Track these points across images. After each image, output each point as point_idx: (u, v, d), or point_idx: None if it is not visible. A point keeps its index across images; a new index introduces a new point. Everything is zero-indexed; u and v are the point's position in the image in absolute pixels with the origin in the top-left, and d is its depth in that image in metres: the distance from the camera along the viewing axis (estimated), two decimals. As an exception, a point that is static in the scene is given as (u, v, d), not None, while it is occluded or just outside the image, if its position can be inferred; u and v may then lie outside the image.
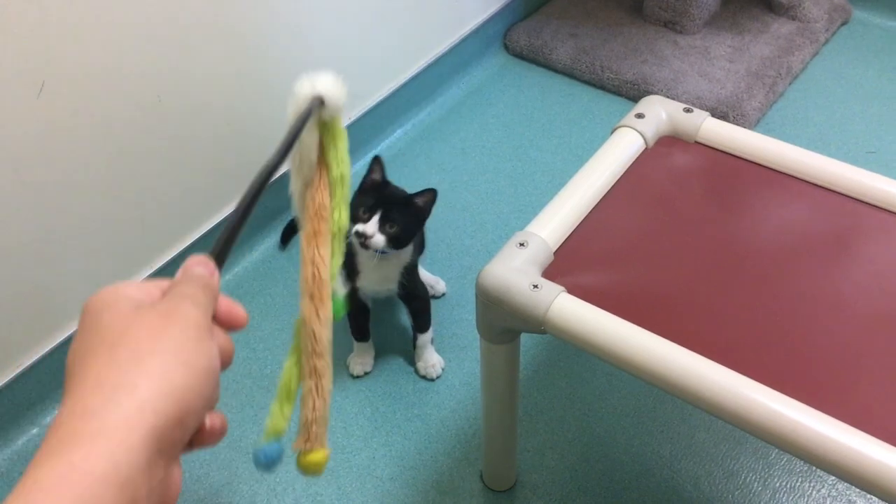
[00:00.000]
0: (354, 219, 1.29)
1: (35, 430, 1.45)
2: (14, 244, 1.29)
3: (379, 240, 1.28)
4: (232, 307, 0.50)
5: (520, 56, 2.21)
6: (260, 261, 1.72)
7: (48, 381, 1.45)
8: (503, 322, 1.01)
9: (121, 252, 1.49)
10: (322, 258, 0.62)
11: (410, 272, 1.41)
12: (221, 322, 0.49)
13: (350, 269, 1.41)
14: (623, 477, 1.35)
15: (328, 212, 0.64)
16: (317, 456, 0.63)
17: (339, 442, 1.42)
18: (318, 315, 0.60)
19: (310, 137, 0.65)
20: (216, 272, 0.50)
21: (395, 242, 1.30)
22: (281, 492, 1.36)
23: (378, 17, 1.80)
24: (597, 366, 1.51)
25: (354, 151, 2.13)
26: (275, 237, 1.75)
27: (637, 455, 1.38)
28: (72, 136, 1.30)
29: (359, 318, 1.49)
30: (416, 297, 1.47)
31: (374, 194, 1.32)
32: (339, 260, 0.64)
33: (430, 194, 1.32)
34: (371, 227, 1.27)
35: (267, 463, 0.57)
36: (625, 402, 1.45)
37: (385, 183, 1.35)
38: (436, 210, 1.79)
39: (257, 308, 1.63)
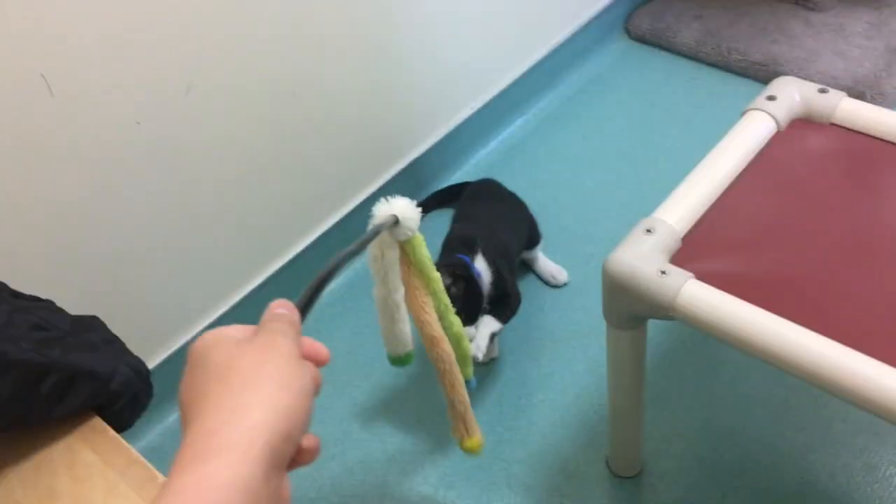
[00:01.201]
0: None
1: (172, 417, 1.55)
2: (158, 236, 1.39)
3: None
4: (314, 345, 0.57)
5: (642, 41, 2.18)
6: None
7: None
8: (630, 308, 1.02)
9: (252, 244, 1.57)
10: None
11: (497, 282, 1.41)
12: (306, 358, 0.55)
13: None
14: (754, 467, 1.33)
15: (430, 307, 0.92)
16: (472, 442, 1.05)
17: (465, 425, 1.46)
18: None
19: (391, 253, 0.84)
20: (297, 312, 0.57)
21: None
22: (411, 471, 1.41)
23: (498, 7, 1.82)
24: (725, 354, 1.48)
25: (475, 141, 2.16)
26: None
27: (768, 445, 1.35)
28: (215, 135, 1.38)
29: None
30: (507, 297, 1.44)
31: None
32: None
33: (461, 281, 1.34)
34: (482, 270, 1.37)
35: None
36: (755, 391, 1.42)
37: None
38: (557, 197, 1.81)
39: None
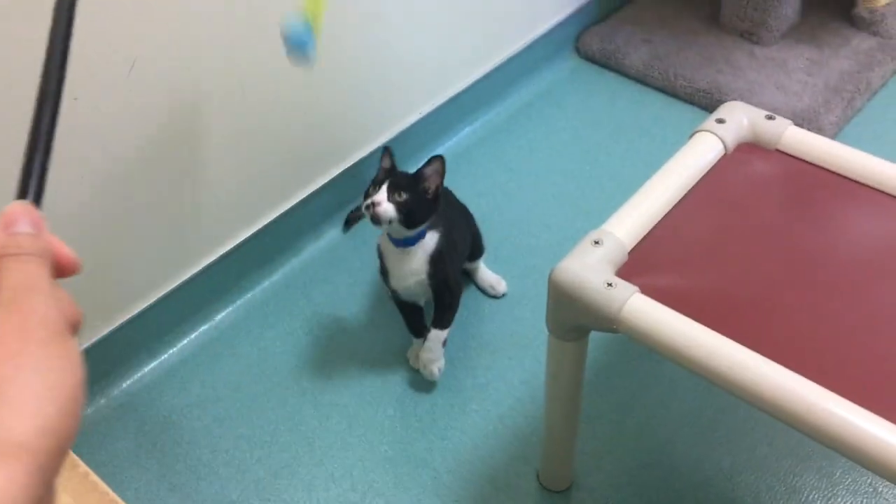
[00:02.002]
0: (366, 197, 1.31)
1: (102, 401, 1.49)
2: (95, 215, 1.33)
3: (388, 208, 1.27)
4: (60, 248, 0.42)
5: (591, 60, 2.20)
6: (326, 249, 1.74)
7: (119, 352, 1.50)
8: (574, 319, 1.01)
9: (191, 232, 1.53)
10: None
11: (437, 262, 1.38)
12: (58, 272, 0.42)
13: (383, 271, 1.43)
14: (681, 486, 1.34)
15: None
16: None
17: (396, 433, 1.43)
18: None
19: None
20: (42, 222, 0.42)
21: (407, 214, 1.29)
22: (339, 477, 1.37)
23: (451, 17, 1.81)
24: (659, 372, 1.49)
25: (423, 148, 2.16)
26: (340, 226, 1.77)
27: (696, 465, 1.36)
28: (157, 115, 1.33)
29: (411, 317, 1.51)
30: (445, 289, 1.42)
31: (386, 175, 1.34)
32: None
33: (438, 162, 1.32)
34: (380, 195, 1.28)
35: (298, 44, 0.69)
36: (686, 411, 1.43)
37: (394, 169, 1.37)
38: (500, 208, 1.80)
39: (321, 295, 1.65)
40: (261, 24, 1.39)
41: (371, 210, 1.28)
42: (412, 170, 1.35)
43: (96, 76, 1.22)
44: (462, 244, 1.52)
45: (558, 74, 2.17)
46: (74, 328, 0.40)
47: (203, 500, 1.35)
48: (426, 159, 1.33)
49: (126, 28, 1.22)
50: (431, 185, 1.33)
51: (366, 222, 1.52)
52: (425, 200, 1.32)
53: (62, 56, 0.48)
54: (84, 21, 1.14)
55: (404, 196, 1.29)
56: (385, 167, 1.37)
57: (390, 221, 1.28)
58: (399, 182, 1.30)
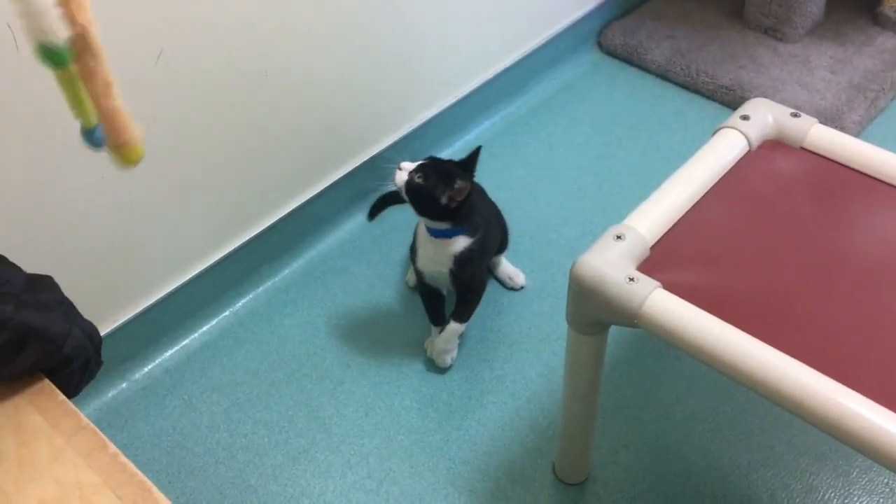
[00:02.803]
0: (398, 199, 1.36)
1: (124, 385, 1.51)
2: (121, 202, 1.35)
3: (402, 177, 1.32)
4: None
5: (613, 55, 2.20)
6: (346, 239, 1.75)
7: (141, 336, 1.51)
8: (595, 313, 1.01)
9: (214, 219, 1.54)
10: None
11: (463, 263, 1.39)
12: None
13: (413, 249, 1.46)
14: (697, 482, 1.34)
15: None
16: (138, 147, 0.72)
17: (413, 422, 1.44)
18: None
19: None
20: None
21: (413, 195, 1.32)
22: (355, 464, 1.39)
23: (474, 10, 1.81)
24: (677, 368, 1.49)
25: (444, 138, 2.15)
26: (360, 217, 1.78)
27: (713, 461, 1.37)
28: (184, 102, 1.34)
29: (432, 303, 1.52)
30: (466, 289, 1.45)
31: (443, 161, 1.36)
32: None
33: (467, 183, 1.30)
34: (408, 164, 1.33)
35: (99, 143, 0.70)
36: (704, 407, 1.44)
37: (465, 167, 1.35)
38: (519, 201, 1.81)
39: (340, 285, 1.66)
40: (289, 17, 1.39)
41: (396, 169, 1.33)
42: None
43: (124, 64, 1.23)
44: (492, 246, 1.53)
45: (580, 69, 2.17)
46: None
47: (221, 483, 1.36)
48: (472, 148, 1.36)
49: (152, 18, 1.23)
50: (452, 195, 1.31)
51: (390, 212, 1.53)
52: (436, 201, 1.31)
53: None
54: (112, 9, 1.15)
55: (421, 180, 1.31)
56: (461, 160, 1.36)
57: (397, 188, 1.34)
58: (429, 170, 1.32)
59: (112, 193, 1.33)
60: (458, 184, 1.30)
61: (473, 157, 1.35)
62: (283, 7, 1.41)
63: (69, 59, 0.65)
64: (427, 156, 1.37)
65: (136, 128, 0.71)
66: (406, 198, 1.34)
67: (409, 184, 1.32)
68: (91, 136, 0.70)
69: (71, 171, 1.25)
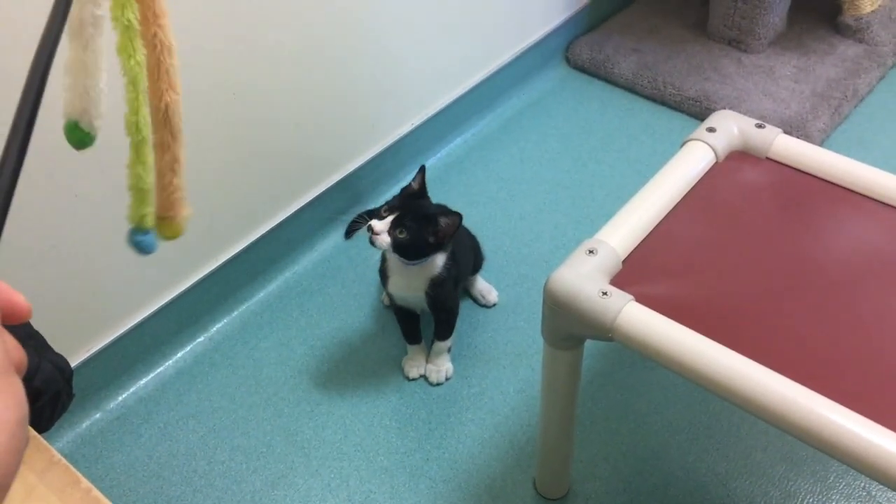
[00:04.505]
0: (377, 215, 1.31)
1: (98, 415, 1.49)
2: (92, 228, 1.34)
3: (384, 240, 1.28)
4: (11, 295, 0.41)
5: (581, 69, 2.22)
6: (320, 260, 1.75)
7: (115, 364, 1.49)
8: (569, 328, 1.02)
9: (186, 244, 1.53)
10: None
11: (438, 285, 1.39)
12: (4, 317, 0.40)
13: (383, 273, 1.45)
14: (676, 492, 1.35)
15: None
16: (181, 226, 0.68)
17: (392, 442, 1.44)
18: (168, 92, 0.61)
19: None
20: None
21: (402, 250, 1.30)
22: (335, 487, 1.38)
23: (442, 27, 1.82)
24: (652, 379, 1.50)
25: (415, 158, 2.16)
26: (334, 237, 1.78)
27: (691, 471, 1.37)
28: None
29: (407, 322, 1.52)
30: (442, 310, 1.46)
31: (405, 199, 1.34)
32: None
33: (456, 219, 1.31)
34: (382, 225, 1.28)
35: (149, 250, 0.64)
36: (680, 418, 1.44)
37: (421, 194, 1.36)
38: (492, 218, 1.81)
39: (315, 306, 1.66)
40: (254, 35, 1.40)
41: (370, 234, 1.29)
42: (394, 188, 1.34)
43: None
44: (466, 266, 1.53)
45: (548, 84, 2.19)
46: (18, 368, 0.39)
47: (200, 512, 1.35)
48: (415, 170, 1.35)
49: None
50: (441, 234, 1.32)
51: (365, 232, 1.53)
52: (427, 243, 1.31)
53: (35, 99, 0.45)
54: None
55: (405, 235, 1.28)
56: (413, 188, 1.36)
57: (395, 254, 1.31)
58: (406, 219, 1.29)
59: (82, 219, 1.31)
60: (444, 220, 1.30)
61: (421, 179, 1.36)
62: (248, 27, 1.41)
63: (90, 144, 0.60)
64: (395, 202, 1.34)
65: (185, 208, 0.68)
66: (394, 256, 1.32)
67: (395, 243, 1.29)
68: (143, 240, 0.64)
69: (40, 197, 1.24)
